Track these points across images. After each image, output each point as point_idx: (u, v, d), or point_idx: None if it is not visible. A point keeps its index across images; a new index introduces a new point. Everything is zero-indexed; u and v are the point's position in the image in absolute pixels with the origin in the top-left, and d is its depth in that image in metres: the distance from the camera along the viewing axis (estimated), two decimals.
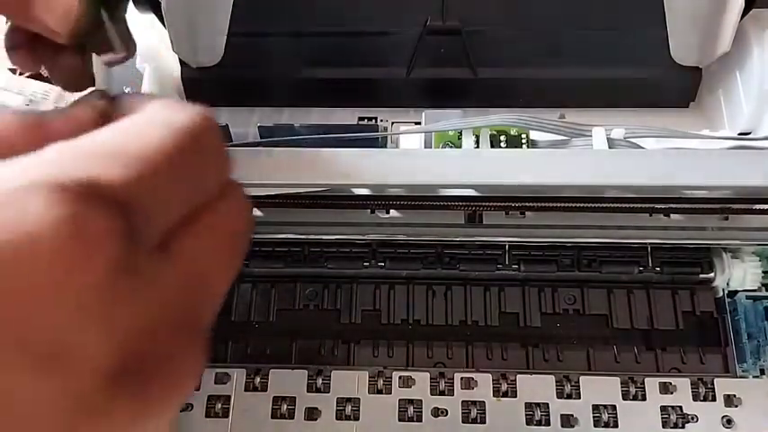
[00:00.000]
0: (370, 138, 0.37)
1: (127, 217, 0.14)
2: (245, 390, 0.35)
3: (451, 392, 0.35)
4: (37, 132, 0.19)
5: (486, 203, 0.35)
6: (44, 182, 0.13)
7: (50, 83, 0.40)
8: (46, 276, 0.12)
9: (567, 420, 0.34)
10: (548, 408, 0.34)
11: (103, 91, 0.23)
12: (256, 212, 0.39)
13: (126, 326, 0.14)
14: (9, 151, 0.17)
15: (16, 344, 0.12)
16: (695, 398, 0.34)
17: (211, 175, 0.19)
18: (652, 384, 0.34)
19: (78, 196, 0.13)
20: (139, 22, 0.37)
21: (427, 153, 0.34)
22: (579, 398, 0.34)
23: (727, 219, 0.36)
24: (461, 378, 0.35)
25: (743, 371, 0.35)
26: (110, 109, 0.22)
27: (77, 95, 0.38)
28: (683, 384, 0.34)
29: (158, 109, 0.18)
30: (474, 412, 0.34)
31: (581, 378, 0.35)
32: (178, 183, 0.17)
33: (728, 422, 0.33)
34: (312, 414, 0.35)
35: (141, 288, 0.14)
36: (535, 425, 0.34)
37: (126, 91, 0.38)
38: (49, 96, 0.38)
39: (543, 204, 0.34)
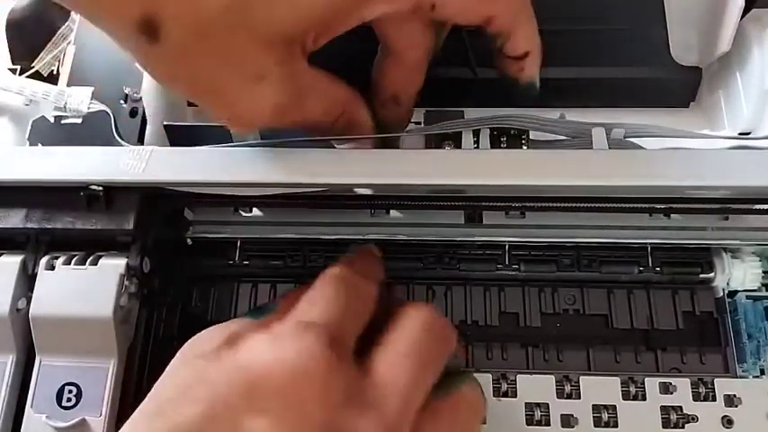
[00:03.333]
0: (370, 138, 0.37)
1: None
2: None
3: None
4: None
5: (487, 203, 0.35)
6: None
7: (50, 83, 0.40)
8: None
9: (567, 420, 0.34)
10: (548, 408, 0.34)
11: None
12: (256, 212, 0.39)
13: None
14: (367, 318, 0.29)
15: None
16: (695, 398, 0.34)
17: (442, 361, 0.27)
18: (652, 384, 0.34)
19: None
20: None
21: (427, 153, 0.34)
22: (579, 398, 0.34)
23: (727, 219, 0.36)
24: None
25: (743, 371, 0.35)
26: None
27: (76, 96, 0.38)
28: (683, 384, 0.34)
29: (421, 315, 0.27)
30: None
31: (581, 378, 0.35)
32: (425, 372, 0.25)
33: (728, 422, 0.33)
34: None
35: None
36: (535, 425, 0.34)
37: (126, 91, 0.38)
38: (49, 96, 0.38)
39: (543, 204, 0.34)
